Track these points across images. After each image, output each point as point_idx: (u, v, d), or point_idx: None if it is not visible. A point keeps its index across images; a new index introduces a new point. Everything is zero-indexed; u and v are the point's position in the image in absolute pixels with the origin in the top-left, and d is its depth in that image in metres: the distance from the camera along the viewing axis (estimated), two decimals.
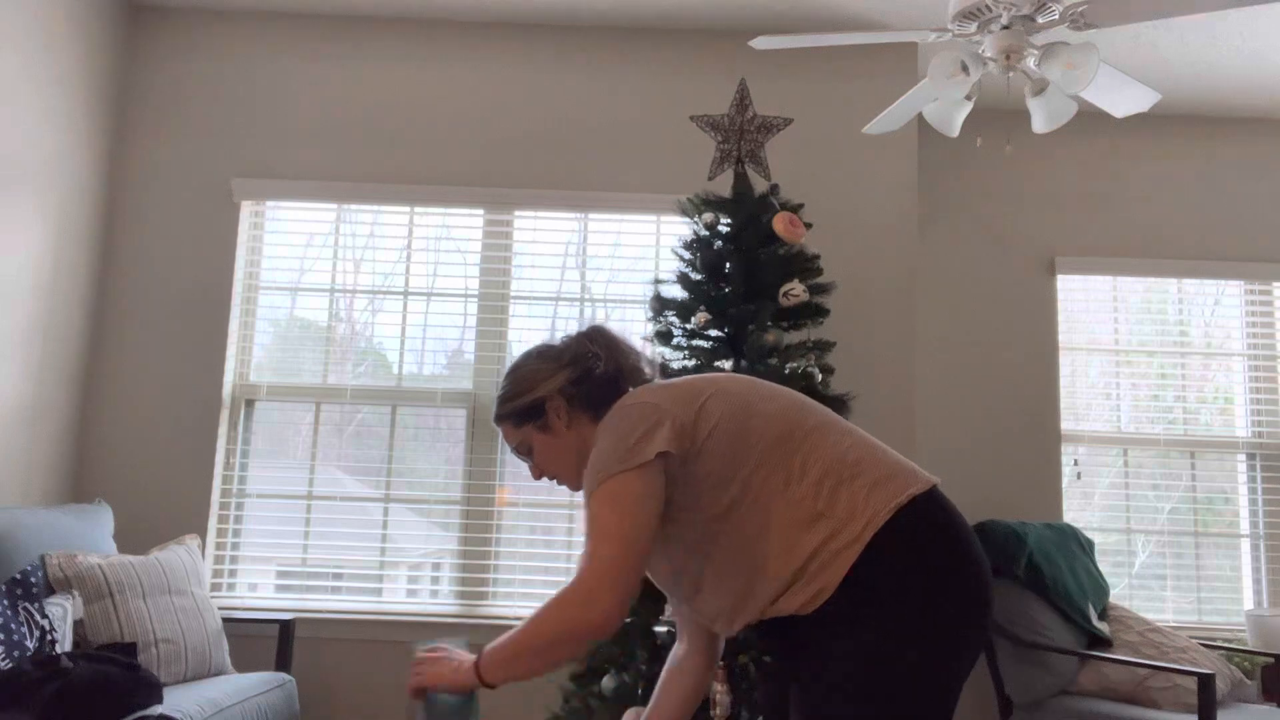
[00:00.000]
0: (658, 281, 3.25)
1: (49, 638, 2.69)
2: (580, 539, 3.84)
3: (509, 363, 4.07)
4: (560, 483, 1.79)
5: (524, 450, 1.77)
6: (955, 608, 1.54)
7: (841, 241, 3.94)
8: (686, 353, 3.11)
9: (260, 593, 3.83)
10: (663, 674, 1.87)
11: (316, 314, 4.00)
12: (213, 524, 3.80)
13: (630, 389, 1.75)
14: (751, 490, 1.60)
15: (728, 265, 3.15)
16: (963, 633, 1.54)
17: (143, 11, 4.04)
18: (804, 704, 1.58)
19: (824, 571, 1.56)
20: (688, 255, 3.20)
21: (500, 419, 1.78)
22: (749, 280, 3.10)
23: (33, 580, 2.74)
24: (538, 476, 1.80)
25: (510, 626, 3.70)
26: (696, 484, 1.61)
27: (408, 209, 4.02)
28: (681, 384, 1.69)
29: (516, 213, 4.03)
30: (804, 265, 3.16)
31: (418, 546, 3.91)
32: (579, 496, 3.84)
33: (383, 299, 4.01)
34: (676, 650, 1.88)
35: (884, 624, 1.51)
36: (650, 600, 2.85)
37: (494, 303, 3.98)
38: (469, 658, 1.62)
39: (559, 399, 1.73)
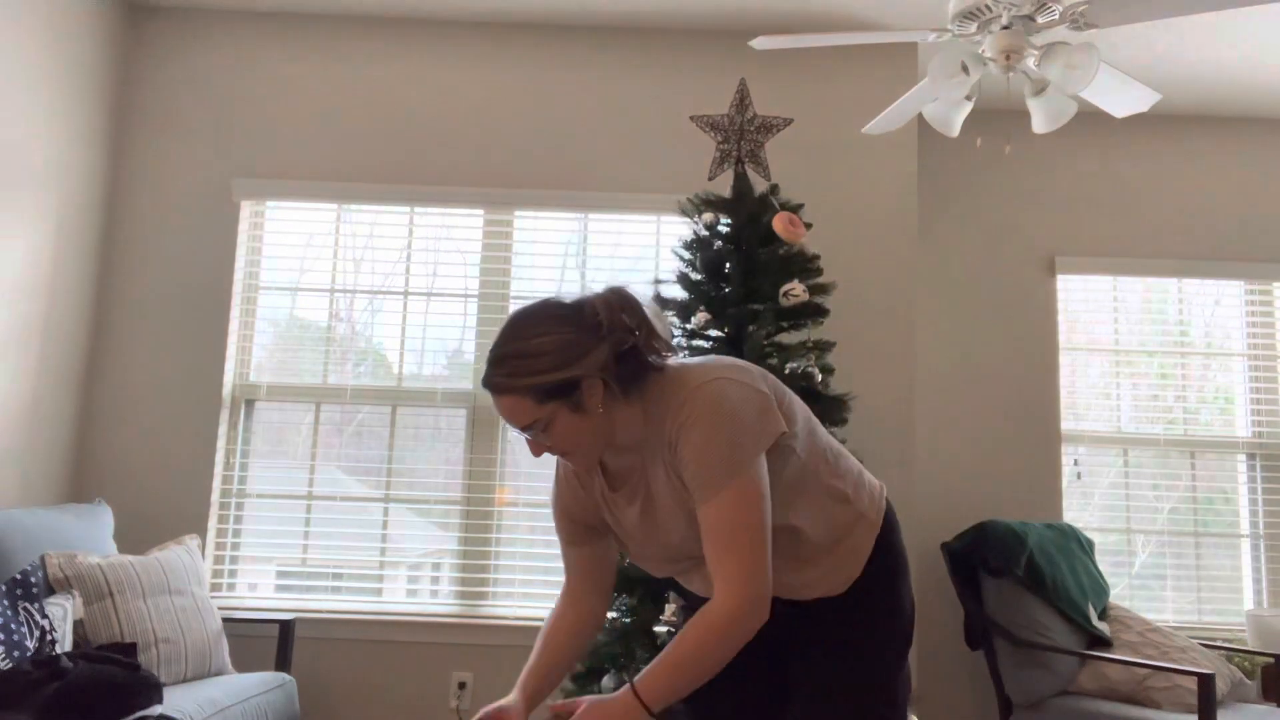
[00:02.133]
0: (658, 281, 3.25)
1: (49, 638, 2.69)
2: None
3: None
4: (569, 460, 1.60)
5: (539, 427, 1.54)
6: (911, 598, 1.78)
7: (841, 241, 3.94)
8: (686, 353, 3.11)
9: (260, 593, 3.83)
10: (545, 629, 1.77)
11: (316, 314, 4.00)
12: (213, 524, 3.80)
13: (660, 362, 1.61)
14: (804, 469, 1.63)
15: (728, 265, 3.15)
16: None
17: (142, 11, 4.04)
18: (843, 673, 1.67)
19: (852, 555, 1.68)
20: (688, 255, 3.20)
21: (512, 391, 1.51)
22: (749, 280, 3.10)
23: (33, 580, 2.74)
24: (539, 454, 1.59)
25: (510, 626, 3.71)
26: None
27: (408, 209, 4.02)
28: (731, 363, 1.61)
29: (516, 213, 4.03)
30: (804, 265, 3.16)
31: (418, 546, 3.91)
32: None
33: (383, 299, 4.01)
34: (561, 604, 1.78)
35: (897, 604, 1.71)
36: (650, 600, 2.85)
37: (494, 303, 3.98)
38: (621, 699, 1.48)
39: (597, 378, 1.53)
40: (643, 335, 1.58)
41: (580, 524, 1.74)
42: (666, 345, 1.63)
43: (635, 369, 1.58)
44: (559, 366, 1.52)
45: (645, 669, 1.50)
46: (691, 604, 1.89)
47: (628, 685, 1.49)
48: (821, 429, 1.71)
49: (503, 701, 1.64)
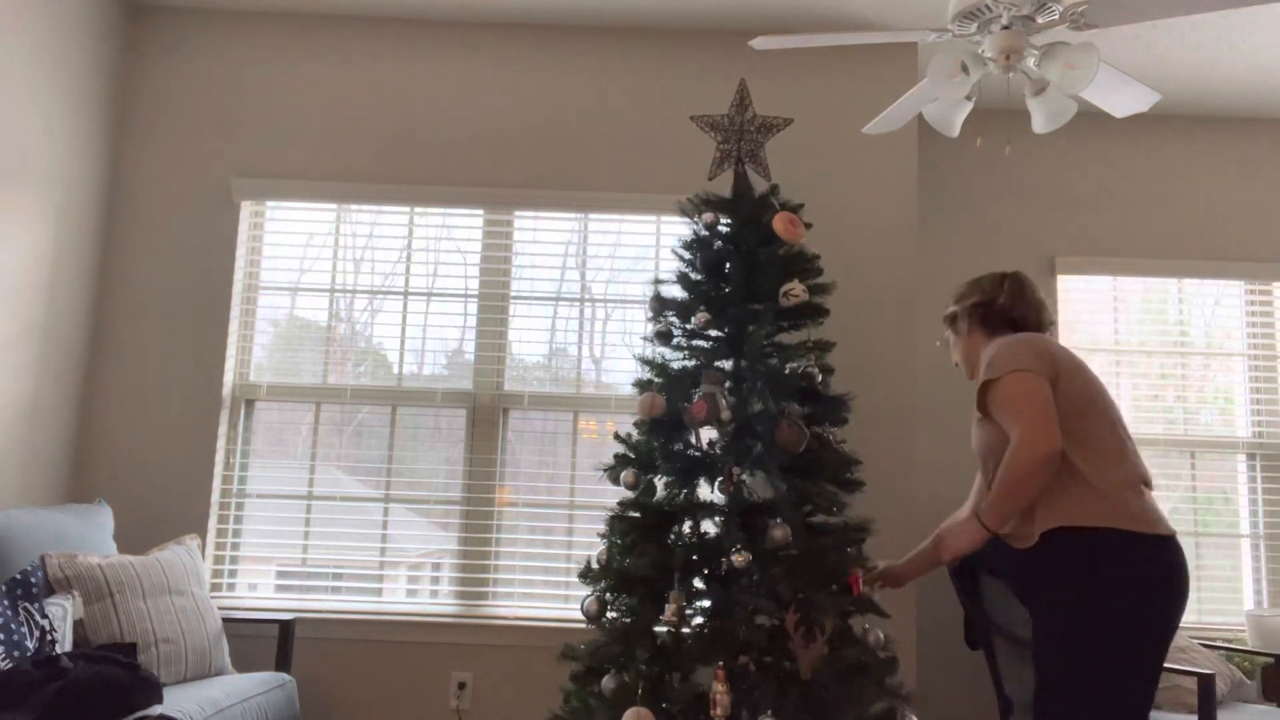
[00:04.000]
0: (658, 281, 3.24)
1: (49, 638, 2.69)
2: (579, 540, 3.85)
3: (509, 363, 4.13)
4: (963, 370, 2.79)
5: (945, 343, 2.85)
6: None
7: (841, 241, 3.94)
8: (686, 353, 3.11)
9: (260, 593, 3.83)
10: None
11: (316, 314, 4.00)
12: (213, 524, 3.80)
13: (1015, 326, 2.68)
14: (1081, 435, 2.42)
15: (728, 265, 3.15)
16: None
17: (142, 11, 4.04)
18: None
19: (1036, 517, 2.38)
20: (688, 255, 3.20)
21: (945, 321, 2.85)
22: (749, 280, 3.10)
23: (33, 580, 2.74)
24: (955, 363, 2.82)
25: (510, 626, 3.71)
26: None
27: (408, 209, 4.02)
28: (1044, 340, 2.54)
29: (516, 213, 4.03)
30: (804, 265, 3.15)
31: (418, 546, 3.91)
32: (579, 496, 3.85)
33: (383, 299, 4.01)
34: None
35: (1060, 602, 2.38)
36: (650, 601, 2.85)
37: (494, 303, 3.98)
38: (966, 520, 2.47)
39: (965, 312, 2.74)
40: (1014, 298, 2.68)
41: None
42: (1023, 319, 2.69)
43: (999, 320, 2.69)
44: (954, 302, 2.82)
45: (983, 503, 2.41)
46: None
47: (971, 513, 2.46)
48: (1100, 419, 2.39)
49: (893, 563, 2.81)
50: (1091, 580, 2.26)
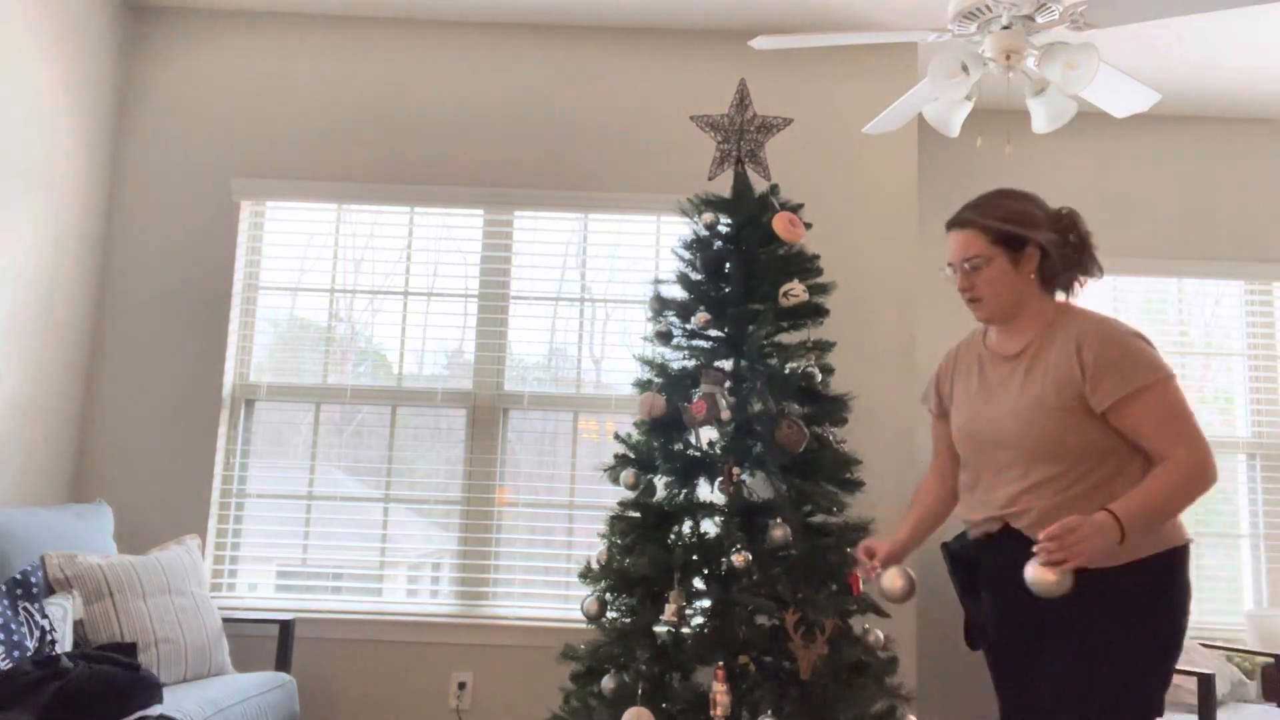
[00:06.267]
0: (658, 281, 3.24)
1: (49, 638, 2.69)
2: (579, 540, 3.84)
3: (508, 363, 4.08)
4: (977, 307, 2.10)
5: (978, 263, 2.06)
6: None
7: (841, 241, 3.94)
8: (686, 353, 3.11)
9: (260, 593, 3.83)
10: (917, 494, 2.35)
11: (316, 314, 4.00)
12: (213, 524, 3.80)
13: (1077, 285, 2.13)
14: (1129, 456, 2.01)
15: (728, 265, 3.15)
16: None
17: (143, 11, 4.04)
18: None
19: (1143, 539, 1.93)
20: (688, 255, 3.20)
21: (973, 225, 2.06)
22: (749, 280, 3.10)
23: (33, 580, 2.74)
24: (965, 289, 2.09)
25: (510, 626, 3.71)
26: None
27: (408, 209, 4.02)
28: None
29: (516, 213, 4.03)
30: (804, 265, 3.15)
31: (417, 546, 3.91)
32: (578, 497, 3.85)
33: (383, 299, 4.01)
34: (930, 476, 2.34)
35: (1132, 629, 1.97)
36: (650, 601, 2.85)
37: (494, 303, 3.98)
38: (1100, 517, 1.84)
39: (1038, 250, 2.05)
40: (1079, 252, 2.09)
41: (937, 395, 2.28)
42: (1086, 272, 2.11)
43: (1060, 272, 2.08)
44: (1018, 223, 2.04)
45: (1121, 500, 1.88)
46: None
47: (1104, 510, 1.86)
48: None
49: (879, 541, 2.23)
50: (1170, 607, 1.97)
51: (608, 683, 2.79)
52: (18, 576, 2.73)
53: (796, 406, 3.03)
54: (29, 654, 2.58)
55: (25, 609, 2.68)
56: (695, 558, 2.88)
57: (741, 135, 3.26)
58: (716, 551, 2.87)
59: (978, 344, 2.20)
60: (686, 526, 2.94)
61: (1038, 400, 2.00)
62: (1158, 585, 1.94)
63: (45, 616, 2.72)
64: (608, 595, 2.91)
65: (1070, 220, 2.08)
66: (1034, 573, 1.82)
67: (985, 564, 2.14)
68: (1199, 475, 1.90)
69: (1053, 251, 2.05)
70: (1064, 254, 2.07)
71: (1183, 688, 3.37)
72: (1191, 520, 4.32)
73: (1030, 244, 2.04)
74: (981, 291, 2.07)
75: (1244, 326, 4.46)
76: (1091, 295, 4.47)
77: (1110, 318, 2.03)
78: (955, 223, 2.09)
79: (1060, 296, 2.15)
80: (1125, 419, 1.96)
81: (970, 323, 4.42)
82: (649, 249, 4.01)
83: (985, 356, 2.15)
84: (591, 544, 3.81)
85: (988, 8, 2.63)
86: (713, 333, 3.12)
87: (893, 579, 2.14)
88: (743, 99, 3.27)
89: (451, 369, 3.98)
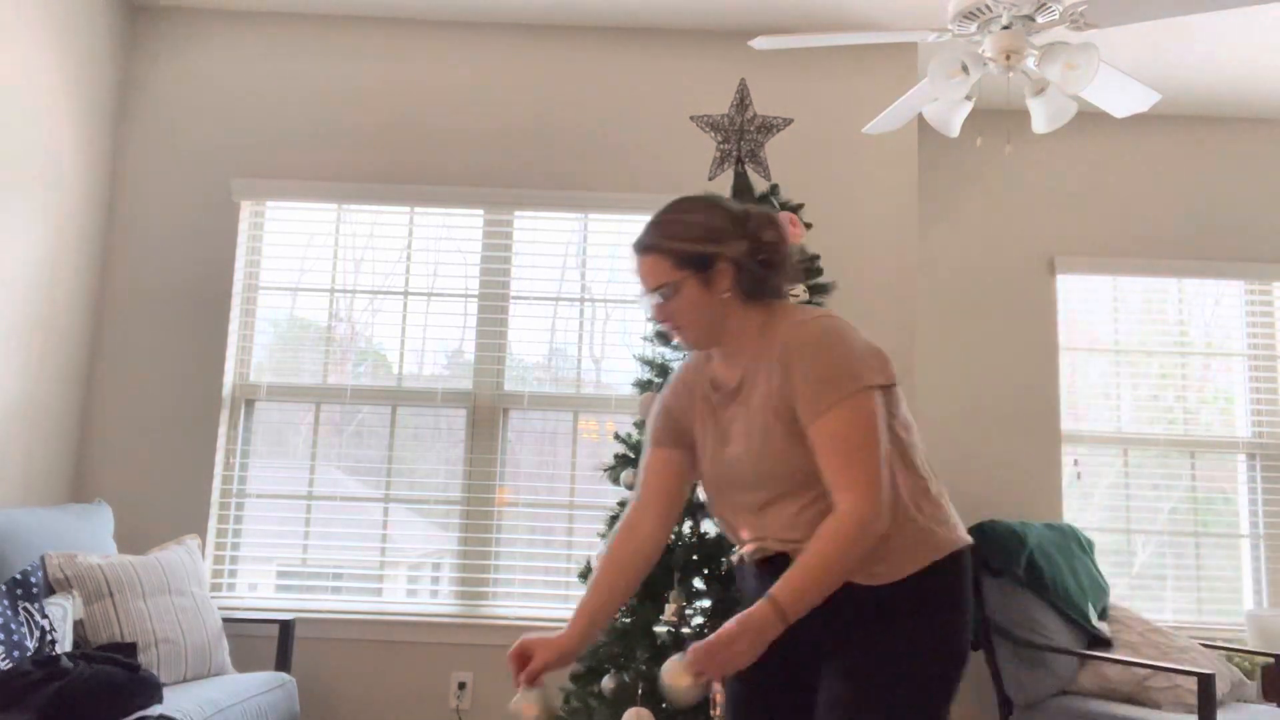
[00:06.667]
0: None
1: (49, 638, 2.69)
2: (579, 541, 3.84)
3: (508, 363, 4.03)
4: (680, 337, 1.79)
5: (666, 291, 1.73)
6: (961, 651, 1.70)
7: (841, 241, 3.94)
8: (686, 353, 3.11)
9: (260, 593, 3.83)
10: (600, 562, 1.86)
11: (316, 314, 4.00)
12: (213, 524, 3.80)
13: (780, 292, 1.80)
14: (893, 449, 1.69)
15: None
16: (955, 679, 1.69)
17: (143, 11, 4.04)
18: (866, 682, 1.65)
19: (915, 549, 1.66)
20: None
21: (655, 250, 1.73)
22: None
23: (33, 580, 2.74)
24: (661, 319, 1.77)
25: (510, 626, 3.70)
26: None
27: (408, 209, 4.02)
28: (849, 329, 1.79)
29: (516, 213, 4.03)
30: (804, 265, 3.15)
31: (418, 546, 3.91)
32: (578, 497, 3.84)
33: (383, 299, 4.01)
34: (621, 530, 1.86)
35: (916, 646, 1.66)
36: (650, 601, 2.85)
37: (494, 303, 3.98)
38: (760, 610, 1.55)
39: (730, 265, 1.73)
40: (775, 255, 1.76)
41: (673, 425, 1.86)
42: (789, 280, 1.81)
43: (761, 281, 1.75)
44: (703, 240, 1.72)
45: (779, 581, 1.57)
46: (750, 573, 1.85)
47: (766, 596, 1.56)
48: (909, 425, 1.78)
49: (548, 636, 1.81)
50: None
51: (608, 683, 2.79)
52: (18, 576, 2.73)
53: None
54: (29, 654, 2.59)
55: (25, 609, 2.68)
56: (695, 558, 2.88)
57: (741, 135, 3.26)
58: (716, 551, 2.87)
59: (704, 381, 1.84)
60: (686, 526, 2.94)
61: (764, 434, 1.70)
62: (935, 597, 1.68)
63: (45, 616, 2.72)
64: None
65: (760, 222, 1.76)
66: (671, 673, 1.55)
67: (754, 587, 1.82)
68: (858, 535, 1.56)
69: (747, 263, 1.73)
70: (760, 261, 1.74)
71: (1183, 687, 3.37)
72: (1192, 520, 4.32)
73: (720, 260, 1.72)
74: (680, 320, 1.75)
75: (1244, 327, 4.46)
76: (1092, 296, 4.47)
77: (823, 315, 1.75)
78: (637, 247, 1.77)
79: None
80: (813, 445, 1.65)
81: (969, 323, 4.42)
82: None
83: (714, 399, 1.81)
84: (591, 544, 3.81)
85: (988, 8, 2.63)
86: None
87: (527, 709, 1.75)
88: (743, 99, 3.27)
89: (451, 369, 3.98)
